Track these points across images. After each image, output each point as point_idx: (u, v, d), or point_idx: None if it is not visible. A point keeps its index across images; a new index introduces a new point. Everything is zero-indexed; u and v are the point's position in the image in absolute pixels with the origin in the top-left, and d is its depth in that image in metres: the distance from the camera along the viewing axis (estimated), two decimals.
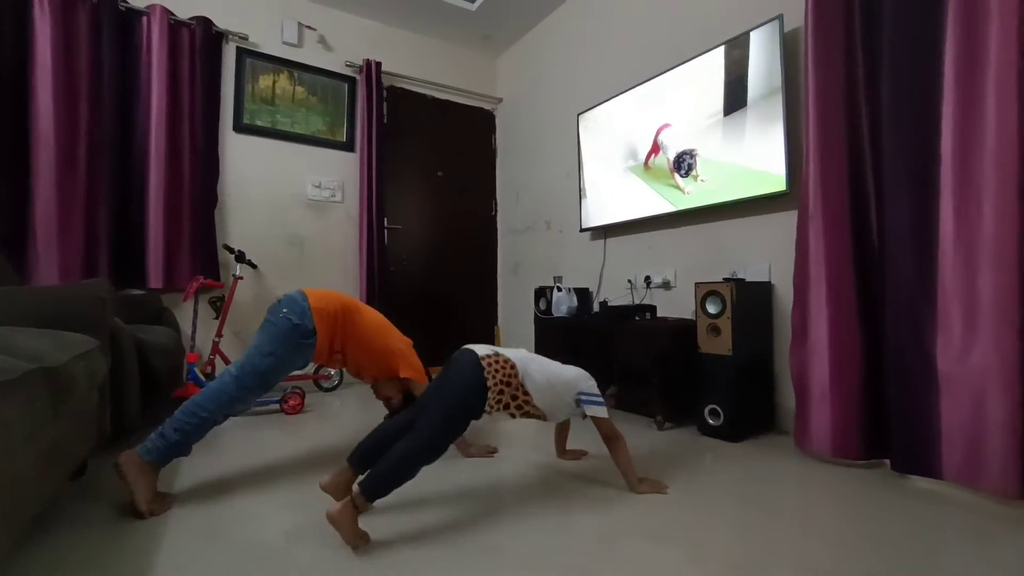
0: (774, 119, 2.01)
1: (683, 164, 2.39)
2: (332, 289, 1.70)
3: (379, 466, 1.13)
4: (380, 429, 1.33)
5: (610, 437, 1.39)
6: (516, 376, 1.29)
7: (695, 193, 2.35)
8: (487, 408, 1.27)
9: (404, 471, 1.14)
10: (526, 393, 1.31)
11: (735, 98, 2.17)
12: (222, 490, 1.42)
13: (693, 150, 2.36)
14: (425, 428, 1.19)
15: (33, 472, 0.89)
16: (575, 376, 1.41)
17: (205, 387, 1.40)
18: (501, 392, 1.27)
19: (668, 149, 2.49)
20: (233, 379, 1.40)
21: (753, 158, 2.10)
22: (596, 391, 1.40)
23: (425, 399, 1.31)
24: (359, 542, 1.08)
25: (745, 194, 2.12)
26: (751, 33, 2.10)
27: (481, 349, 1.30)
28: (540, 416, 1.38)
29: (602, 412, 1.37)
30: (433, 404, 1.25)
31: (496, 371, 1.26)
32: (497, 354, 1.30)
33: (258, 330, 1.51)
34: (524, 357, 1.36)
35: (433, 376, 1.62)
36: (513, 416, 1.33)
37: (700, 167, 2.32)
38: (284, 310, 1.48)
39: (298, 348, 1.48)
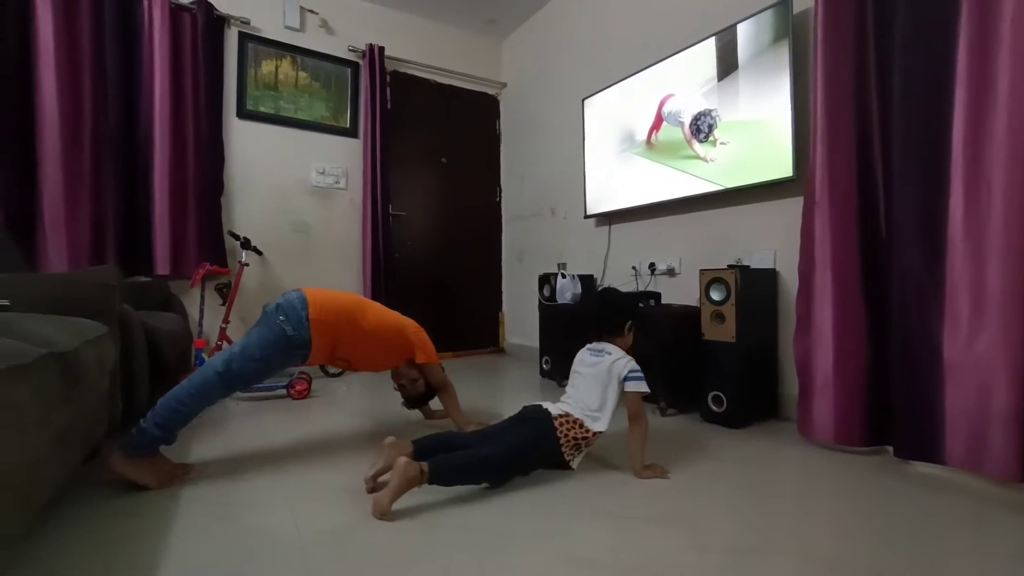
0: (782, 102, 1.98)
1: (702, 127, 2.30)
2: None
3: (453, 460, 1.25)
4: (451, 435, 1.45)
5: (634, 414, 1.42)
6: (589, 431, 1.40)
7: (719, 159, 2.25)
8: (568, 457, 1.39)
9: (469, 477, 1.28)
10: (600, 431, 1.42)
11: (733, 76, 2.14)
12: (232, 474, 1.45)
13: (712, 110, 2.26)
14: (501, 451, 1.31)
15: (47, 456, 0.90)
16: (615, 367, 1.44)
17: (188, 379, 1.39)
18: (576, 446, 1.40)
19: (682, 113, 2.40)
20: (218, 376, 1.39)
21: (766, 131, 2.07)
22: (638, 367, 1.45)
23: (501, 432, 1.42)
24: (388, 509, 1.14)
25: (752, 180, 2.10)
26: (759, 15, 2.06)
27: (553, 408, 1.43)
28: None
29: (643, 387, 1.42)
30: (512, 438, 1.37)
31: (568, 430, 1.38)
32: (568, 415, 1.41)
33: (254, 325, 1.49)
34: (582, 406, 1.43)
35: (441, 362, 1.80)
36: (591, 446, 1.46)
37: (719, 131, 2.22)
38: (280, 317, 1.45)
39: (289, 356, 1.48)
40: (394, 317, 1.77)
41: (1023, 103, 1.26)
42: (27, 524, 0.93)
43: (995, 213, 1.30)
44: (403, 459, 1.18)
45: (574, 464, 1.42)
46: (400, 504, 1.20)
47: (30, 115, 2.39)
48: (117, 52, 2.61)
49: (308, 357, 1.52)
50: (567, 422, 1.39)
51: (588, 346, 1.54)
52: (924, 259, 1.44)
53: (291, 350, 1.47)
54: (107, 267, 1.57)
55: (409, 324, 1.77)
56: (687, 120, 2.38)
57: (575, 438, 1.38)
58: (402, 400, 1.89)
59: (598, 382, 1.44)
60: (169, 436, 1.35)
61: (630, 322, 1.55)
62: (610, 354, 1.46)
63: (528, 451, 1.36)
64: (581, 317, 1.57)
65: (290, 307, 1.47)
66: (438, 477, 1.20)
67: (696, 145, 2.34)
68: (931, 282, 1.42)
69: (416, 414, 1.94)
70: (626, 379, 1.42)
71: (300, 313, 1.46)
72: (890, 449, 1.55)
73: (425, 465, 1.18)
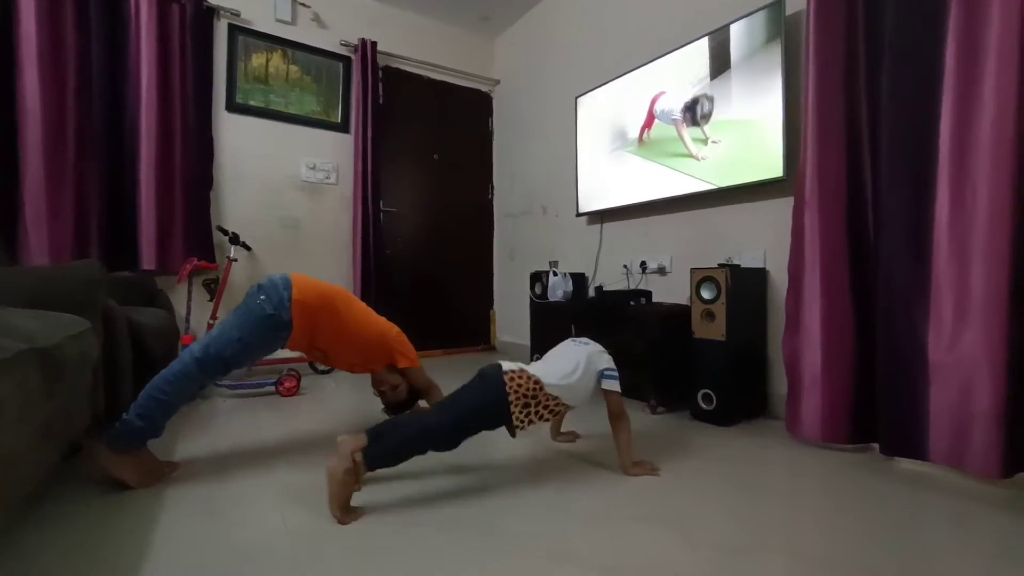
0: (773, 103, 2.00)
1: (698, 111, 2.29)
2: (326, 273, 1.66)
3: (390, 441, 1.20)
4: (406, 416, 1.40)
5: (617, 414, 1.42)
6: (541, 390, 1.33)
7: (710, 158, 2.25)
8: (517, 424, 1.31)
9: (410, 446, 1.22)
10: (554, 399, 1.35)
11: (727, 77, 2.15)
12: (218, 470, 1.43)
13: (707, 94, 2.25)
14: (443, 417, 1.27)
15: (26, 452, 0.89)
16: (595, 357, 1.44)
17: (168, 367, 1.36)
18: (527, 406, 1.31)
19: (674, 111, 2.40)
20: (195, 361, 1.35)
21: (757, 131, 2.09)
22: (615, 367, 1.43)
23: (451, 396, 1.36)
24: (342, 512, 1.12)
25: (743, 179, 2.12)
26: (752, 15, 2.07)
27: (507, 364, 1.35)
28: (568, 409, 1.43)
29: (617, 386, 1.42)
30: (457, 400, 1.31)
31: (518, 386, 1.31)
32: (522, 370, 1.34)
33: (234, 310, 1.46)
34: (547, 371, 1.38)
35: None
36: (548, 420, 1.39)
37: (711, 128, 2.23)
38: (262, 297, 1.42)
39: (269, 338, 1.44)
40: (376, 320, 1.72)
41: (1008, 106, 1.28)
42: (6, 522, 0.91)
43: (979, 214, 1.32)
44: (332, 462, 1.14)
45: (518, 432, 1.33)
46: (388, 503, 1.20)
47: (11, 107, 2.34)
48: (103, 43, 2.56)
49: (288, 340, 1.48)
50: (518, 377, 1.31)
51: (572, 338, 1.53)
52: (910, 259, 1.46)
53: (271, 331, 1.43)
54: (90, 261, 1.54)
55: (390, 330, 1.72)
56: (681, 106, 2.38)
57: (525, 395, 1.30)
58: (383, 407, 1.86)
59: (574, 360, 1.41)
60: (153, 427, 1.31)
61: None
62: (594, 344, 1.47)
63: (475, 412, 1.29)
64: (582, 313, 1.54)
65: (272, 287, 1.45)
66: (378, 461, 1.17)
67: (687, 134, 2.34)
68: (917, 282, 1.44)
69: None
70: (603, 375, 1.42)
71: (282, 293, 1.44)
72: (876, 446, 1.57)
73: (359, 455, 1.13)
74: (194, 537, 1.07)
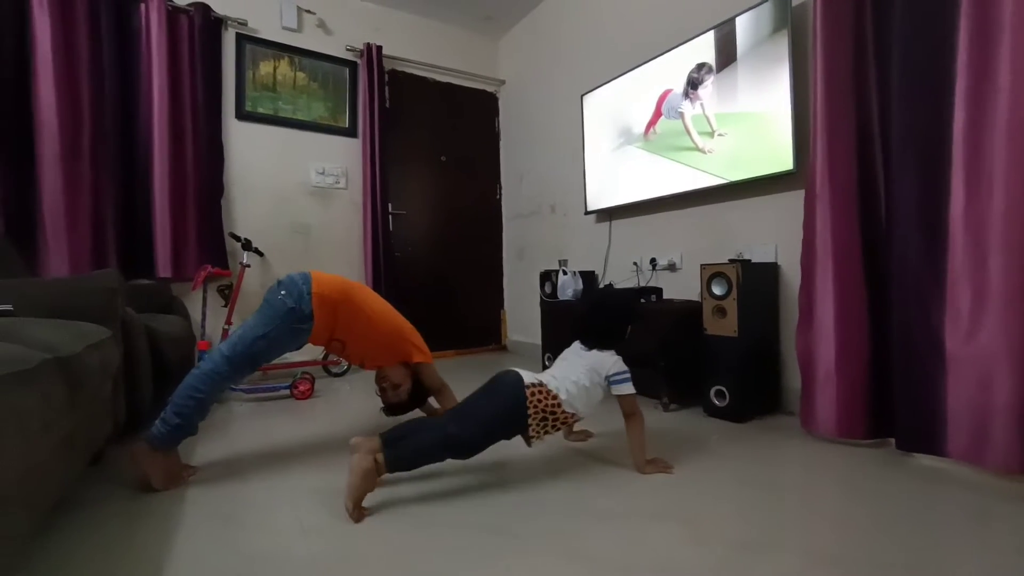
0: (782, 95, 1.97)
1: (699, 82, 2.30)
2: (338, 275, 1.68)
3: (411, 445, 1.23)
4: (420, 420, 1.40)
5: (629, 414, 1.42)
6: (559, 406, 1.35)
7: (718, 151, 2.23)
8: (533, 434, 1.34)
9: (430, 453, 1.26)
10: (571, 415, 1.38)
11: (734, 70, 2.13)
12: (235, 474, 1.46)
13: (708, 63, 2.25)
14: (466, 426, 1.28)
15: (51, 460, 0.91)
16: (600, 364, 1.43)
17: (198, 367, 1.40)
18: (544, 420, 1.34)
19: (680, 105, 2.40)
20: (225, 359, 1.40)
21: (763, 123, 2.07)
22: (624, 368, 1.43)
23: (469, 403, 1.37)
24: (355, 505, 1.15)
25: (753, 173, 2.09)
26: (758, 7, 2.05)
27: (527, 376, 1.36)
28: (582, 418, 1.45)
29: (629, 389, 1.41)
30: (478, 410, 1.33)
31: (538, 401, 1.33)
32: (541, 384, 1.36)
33: (256, 311, 1.50)
34: (561, 385, 1.37)
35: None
36: (560, 430, 1.43)
37: (716, 121, 2.23)
38: (282, 292, 1.47)
39: (292, 332, 1.48)
40: (394, 315, 1.77)
41: None
42: (33, 528, 0.93)
43: (996, 204, 1.29)
44: (355, 456, 1.17)
45: (533, 443, 1.37)
46: (401, 503, 1.21)
47: (28, 121, 2.39)
48: (115, 55, 2.61)
49: (311, 332, 1.51)
50: (539, 392, 1.33)
51: (578, 344, 1.52)
52: (925, 250, 1.43)
53: (294, 324, 1.47)
54: (109, 271, 1.58)
55: (405, 325, 1.76)
56: (682, 90, 2.39)
57: (543, 410, 1.32)
58: (381, 406, 1.86)
59: (582, 373, 1.41)
60: (191, 426, 1.36)
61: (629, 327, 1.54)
62: (597, 352, 1.46)
63: (497, 423, 1.32)
64: (588, 326, 1.53)
65: (291, 283, 1.50)
66: (397, 464, 1.21)
67: (693, 126, 2.32)
68: (932, 274, 1.42)
69: (416, 415, 1.92)
70: (611, 382, 1.41)
71: (301, 288, 1.49)
72: (892, 441, 1.55)
73: (380, 455, 1.18)
74: (214, 540, 1.09)
